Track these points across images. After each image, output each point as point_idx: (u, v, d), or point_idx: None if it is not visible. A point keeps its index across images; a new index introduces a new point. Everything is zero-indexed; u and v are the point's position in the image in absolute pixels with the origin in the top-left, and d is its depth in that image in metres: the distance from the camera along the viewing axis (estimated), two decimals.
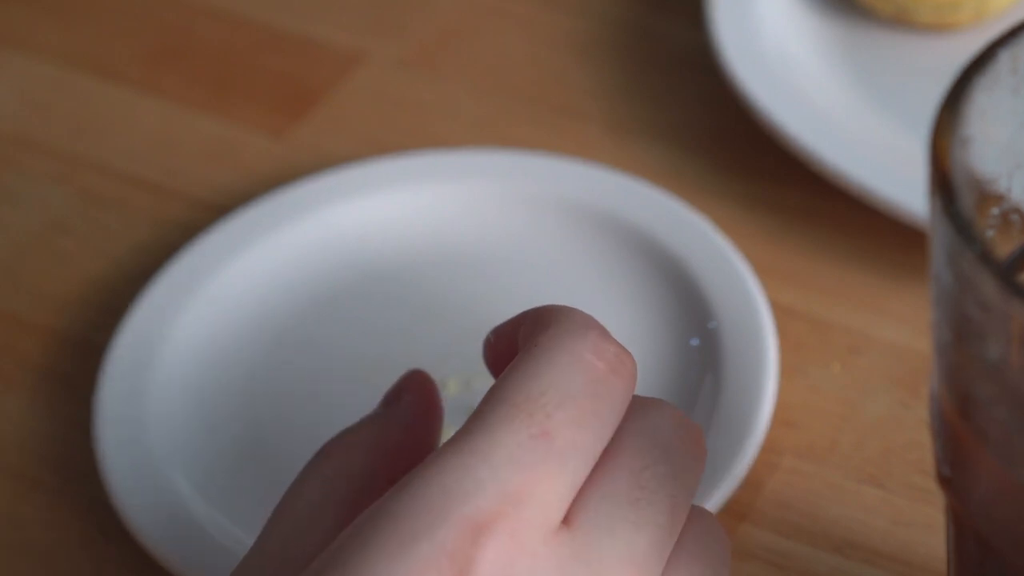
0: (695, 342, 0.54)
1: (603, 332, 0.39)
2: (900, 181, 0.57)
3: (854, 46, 0.65)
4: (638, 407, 0.40)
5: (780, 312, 0.56)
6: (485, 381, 0.54)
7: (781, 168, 0.61)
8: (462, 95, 0.66)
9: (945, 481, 0.36)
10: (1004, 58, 0.33)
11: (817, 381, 0.54)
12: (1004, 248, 0.36)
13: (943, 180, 0.31)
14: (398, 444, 0.44)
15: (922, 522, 0.50)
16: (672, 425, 0.39)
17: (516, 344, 0.41)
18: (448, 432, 0.52)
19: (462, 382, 0.54)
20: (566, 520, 0.37)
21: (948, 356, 0.33)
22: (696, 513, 0.40)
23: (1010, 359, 0.31)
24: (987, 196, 0.34)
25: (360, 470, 0.42)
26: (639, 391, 0.53)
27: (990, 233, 0.35)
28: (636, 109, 0.65)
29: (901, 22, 0.65)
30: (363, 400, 0.54)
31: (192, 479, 0.52)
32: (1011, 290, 0.30)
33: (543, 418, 0.37)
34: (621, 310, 0.56)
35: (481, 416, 0.37)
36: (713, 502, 0.49)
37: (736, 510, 0.51)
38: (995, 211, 0.35)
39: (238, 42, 0.70)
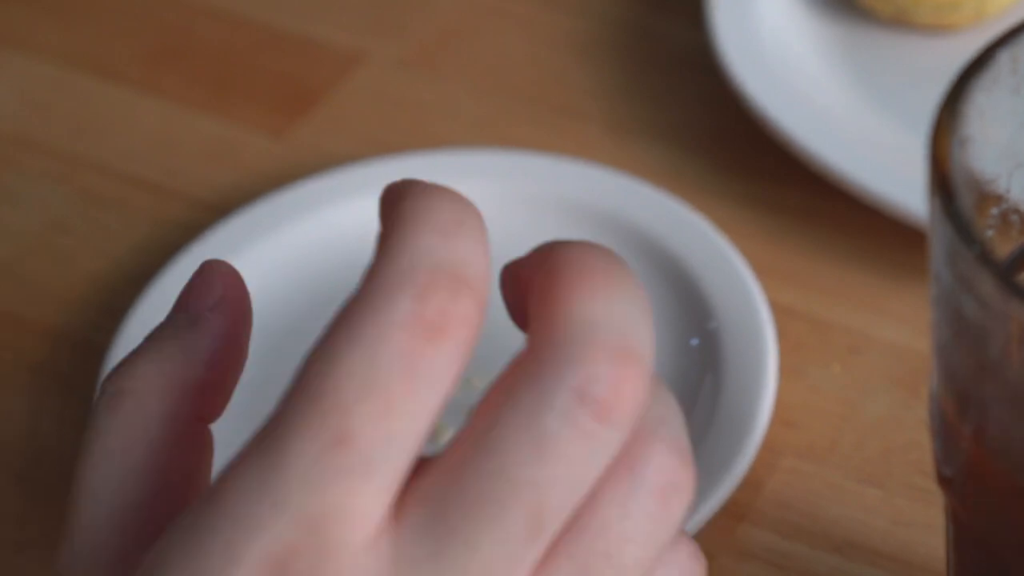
0: (695, 342, 0.54)
1: (435, 270, 0.32)
2: (900, 181, 0.57)
3: (854, 46, 0.65)
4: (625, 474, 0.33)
5: (780, 312, 0.56)
6: (485, 380, 0.54)
7: (781, 168, 0.61)
8: (462, 95, 0.66)
9: (945, 481, 0.36)
10: (1004, 58, 0.33)
11: (817, 381, 0.54)
12: (1004, 248, 0.36)
13: (943, 180, 0.31)
14: (203, 380, 0.37)
15: (922, 522, 0.50)
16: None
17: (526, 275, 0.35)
18: (444, 433, 0.52)
19: (462, 382, 0.54)
20: (396, 514, 0.32)
21: (948, 356, 0.33)
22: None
23: (1009, 359, 0.31)
24: (987, 196, 0.34)
25: (158, 426, 0.36)
26: None
27: (990, 233, 0.35)
28: (636, 109, 0.65)
29: (901, 23, 0.65)
30: None
31: None
32: (1011, 290, 0.30)
33: (339, 417, 0.31)
34: None
35: (278, 421, 0.32)
36: (713, 502, 0.49)
37: (736, 510, 0.51)
38: (994, 211, 0.35)
39: (238, 42, 0.70)
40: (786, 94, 0.61)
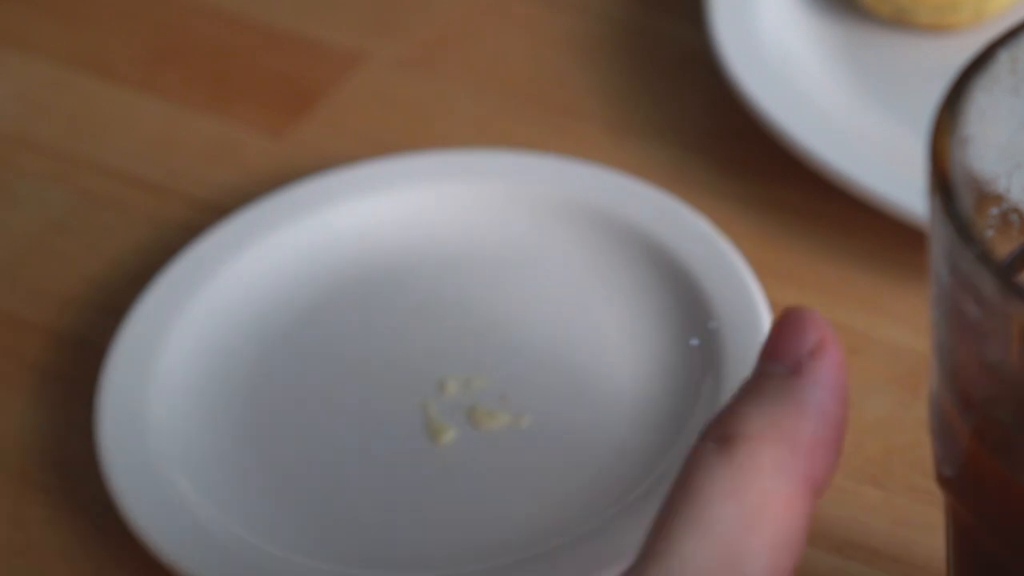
0: (695, 342, 0.54)
1: None
2: (900, 181, 0.57)
3: (854, 46, 0.65)
4: None
5: (780, 312, 0.56)
6: (485, 381, 0.54)
7: (781, 168, 0.61)
8: (462, 95, 0.66)
9: (945, 481, 0.36)
10: (1003, 58, 0.33)
11: None
12: (1003, 248, 0.36)
13: (942, 180, 0.31)
14: (814, 435, 0.34)
15: (922, 522, 0.50)
16: None
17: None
18: (446, 433, 0.52)
19: (462, 382, 0.54)
20: None
21: (947, 356, 0.33)
22: None
23: (1010, 359, 0.31)
24: (986, 196, 0.34)
25: (771, 475, 0.33)
26: (640, 391, 0.53)
27: (989, 233, 0.35)
28: (636, 109, 0.65)
29: (900, 23, 0.65)
30: (364, 399, 0.54)
31: (193, 478, 0.52)
32: (1011, 290, 0.30)
33: None
34: (621, 310, 0.56)
35: None
36: None
37: None
38: (994, 211, 0.35)
39: (238, 42, 0.70)
40: (786, 94, 0.61)
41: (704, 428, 0.34)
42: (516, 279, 0.57)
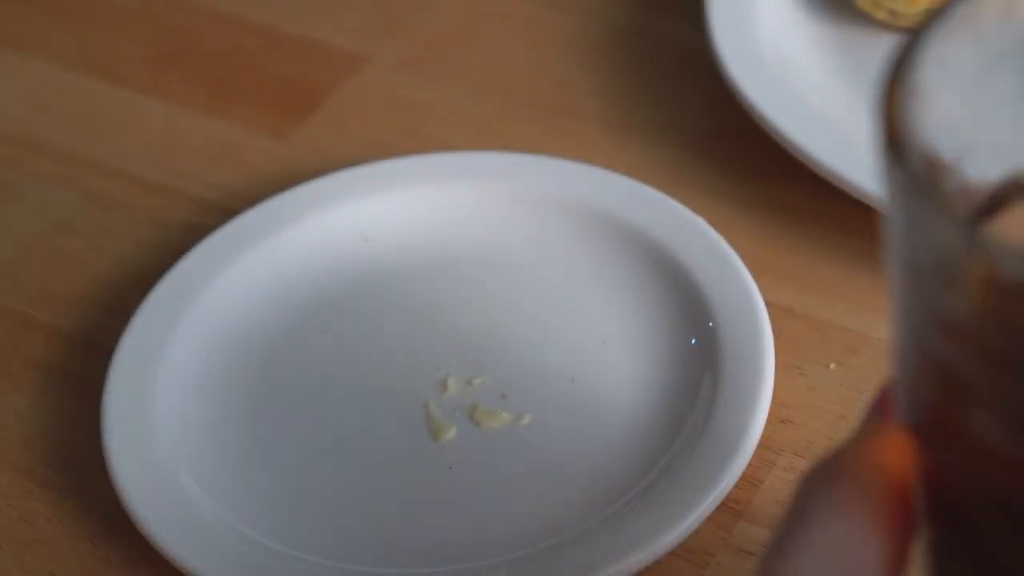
0: (694, 342, 0.54)
1: None
2: None
3: (852, 47, 0.65)
4: None
5: (778, 311, 0.56)
6: (485, 381, 0.54)
7: (781, 168, 0.61)
8: (463, 97, 0.67)
9: (910, 429, 0.35)
10: (960, 13, 0.33)
11: (815, 380, 0.54)
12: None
13: (895, 134, 0.31)
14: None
15: None
16: None
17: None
18: (447, 432, 0.53)
19: (462, 382, 0.54)
20: None
21: (908, 316, 0.33)
22: None
23: (969, 310, 0.31)
24: (939, 167, 0.34)
25: (875, 493, 0.35)
26: (639, 390, 0.53)
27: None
28: (636, 109, 0.65)
29: (894, 27, 0.65)
30: (366, 398, 0.54)
31: (198, 476, 0.52)
32: (973, 234, 0.30)
33: None
34: (621, 310, 0.56)
35: None
36: (711, 500, 0.49)
37: (734, 507, 0.51)
38: (948, 178, 0.35)
39: (241, 44, 0.70)
40: (785, 95, 0.61)
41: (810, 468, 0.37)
42: (517, 280, 0.58)
